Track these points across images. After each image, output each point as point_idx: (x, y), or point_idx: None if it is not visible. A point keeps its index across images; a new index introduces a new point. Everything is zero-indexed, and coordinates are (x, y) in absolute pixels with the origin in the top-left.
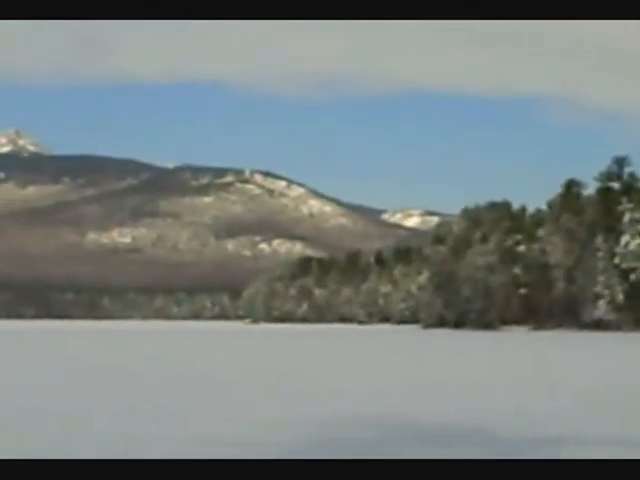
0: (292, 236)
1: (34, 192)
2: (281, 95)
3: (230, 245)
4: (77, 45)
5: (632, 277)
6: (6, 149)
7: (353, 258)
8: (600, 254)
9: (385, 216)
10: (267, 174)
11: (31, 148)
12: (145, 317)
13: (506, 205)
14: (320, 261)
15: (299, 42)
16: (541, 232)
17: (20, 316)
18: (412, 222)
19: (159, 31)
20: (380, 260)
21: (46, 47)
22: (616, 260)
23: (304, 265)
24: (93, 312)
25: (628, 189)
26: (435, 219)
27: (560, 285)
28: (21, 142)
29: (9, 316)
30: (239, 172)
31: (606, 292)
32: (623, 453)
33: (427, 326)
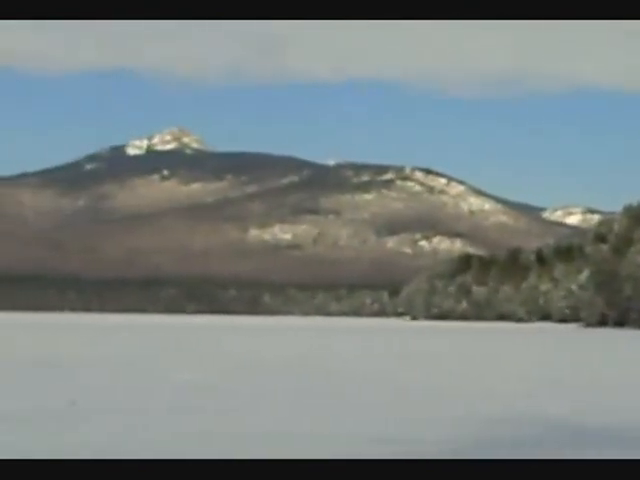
0: (452, 233)
1: (198, 189)
2: (442, 93)
3: (390, 242)
4: (246, 44)
5: None
6: (170, 146)
7: (513, 256)
8: None
9: (545, 214)
10: (427, 171)
11: (195, 145)
12: (305, 313)
13: None
14: (480, 258)
15: (454, 41)
16: None
17: (182, 311)
18: (573, 220)
19: (327, 30)
20: (541, 258)
21: (214, 47)
22: None
23: (464, 262)
24: (254, 308)
25: None
26: (596, 217)
27: None
28: (185, 139)
29: (171, 311)
30: (399, 169)
31: None
32: None
33: (588, 325)
